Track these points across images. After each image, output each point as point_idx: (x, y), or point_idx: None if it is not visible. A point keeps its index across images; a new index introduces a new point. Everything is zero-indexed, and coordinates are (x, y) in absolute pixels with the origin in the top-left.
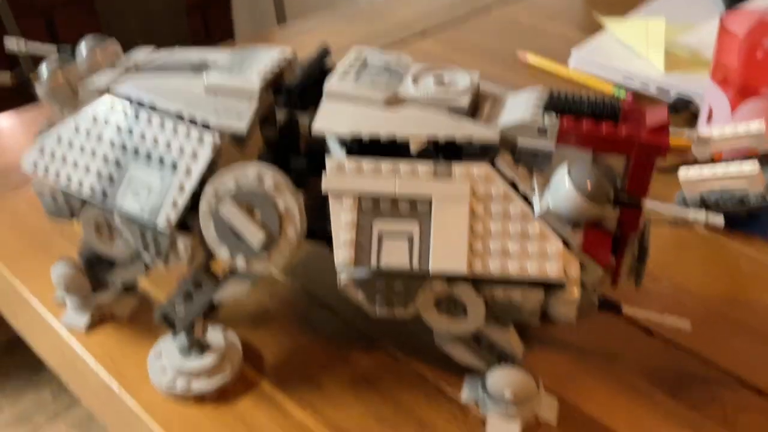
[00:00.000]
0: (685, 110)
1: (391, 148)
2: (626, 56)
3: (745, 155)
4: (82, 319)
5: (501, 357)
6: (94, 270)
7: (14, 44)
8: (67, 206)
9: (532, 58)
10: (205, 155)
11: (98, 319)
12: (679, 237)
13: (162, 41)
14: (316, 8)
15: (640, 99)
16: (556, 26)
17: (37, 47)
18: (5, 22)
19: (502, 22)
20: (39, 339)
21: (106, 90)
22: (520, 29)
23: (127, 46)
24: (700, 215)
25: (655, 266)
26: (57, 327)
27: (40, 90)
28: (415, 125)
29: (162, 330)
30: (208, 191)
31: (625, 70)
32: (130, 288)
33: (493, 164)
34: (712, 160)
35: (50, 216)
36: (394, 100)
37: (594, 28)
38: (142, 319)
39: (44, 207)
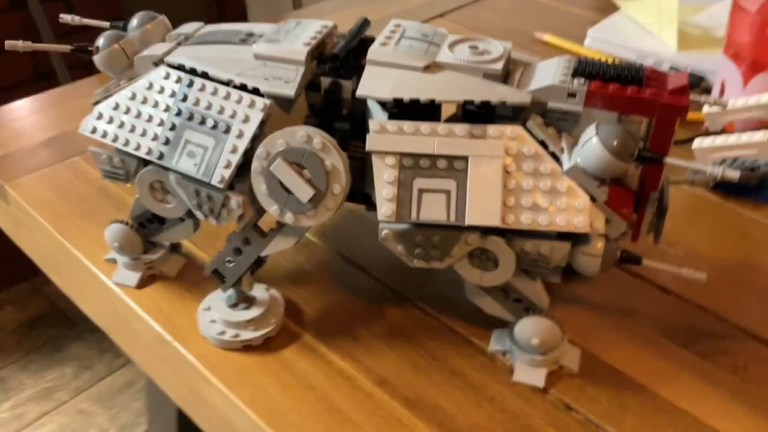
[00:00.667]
0: (697, 87)
1: (429, 110)
2: (640, 35)
3: (757, 127)
4: (133, 277)
5: (528, 309)
6: (145, 230)
7: (69, 19)
8: (123, 169)
9: (549, 38)
10: (256, 118)
11: (147, 277)
12: (692, 204)
13: (180, 23)
14: None
15: None
16: (572, 6)
17: (89, 21)
18: (30, 5)
19: (519, 3)
20: (89, 298)
21: (161, 60)
22: (536, 9)
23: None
24: (716, 170)
25: (669, 232)
26: (109, 285)
27: (98, 60)
28: (452, 89)
29: (208, 286)
30: (260, 151)
31: (639, 49)
32: (176, 248)
33: (524, 125)
34: (724, 131)
35: (106, 178)
36: (433, 66)
37: (609, 7)
38: (188, 277)
39: (101, 169)
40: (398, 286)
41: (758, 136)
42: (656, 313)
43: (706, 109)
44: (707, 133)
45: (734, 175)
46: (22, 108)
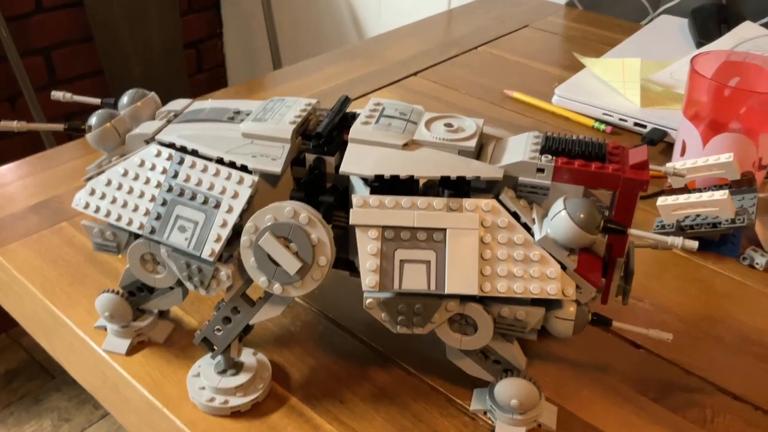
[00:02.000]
0: (660, 142)
1: (408, 185)
2: (605, 93)
3: (717, 184)
4: (123, 344)
5: (506, 369)
6: (134, 299)
7: (60, 96)
8: (115, 242)
9: (519, 95)
10: (245, 194)
11: (137, 344)
12: (659, 260)
13: (159, 76)
14: (307, 47)
15: (618, 132)
16: (540, 64)
17: (81, 98)
18: (11, 60)
19: (490, 61)
20: (78, 364)
21: (152, 138)
22: (506, 67)
23: (125, 81)
24: (677, 241)
25: (637, 286)
26: (99, 352)
27: (91, 138)
28: (430, 166)
29: (196, 352)
30: (249, 226)
31: (605, 107)
32: (164, 314)
33: (497, 198)
34: (687, 188)
35: (98, 250)
36: (411, 144)
37: (575, 65)
38: (177, 342)
39: (93, 242)
40: (382, 347)
41: (718, 195)
42: (628, 369)
43: (666, 167)
44: (671, 190)
45: (693, 245)
46: (9, 172)
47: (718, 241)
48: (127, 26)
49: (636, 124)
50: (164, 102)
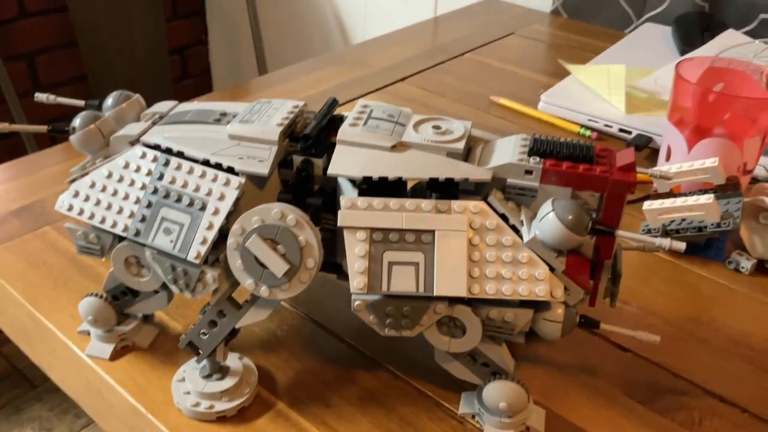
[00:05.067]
0: (645, 147)
1: (396, 186)
2: (590, 99)
3: (702, 188)
4: (106, 349)
5: (495, 372)
6: (118, 303)
7: (44, 98)
8: (99, 244)
9: (505, 101)
10: (231, 196)
11: (121, 349)
12: (645, 264)
13: (143, 82)
14: (293, 53)
15: (603, 138)
16: (526, 71)
17: (65, 100)
18: None
19: (476, 67)
20: (62, 369)
21: (137, 140)
22: (492, 73)
23: (109, 87)
24: (664, 242)
25: (625, 289)
26: (82, 357)
27: (74, 140)
28: (418, 168)
29: (181, 356)
30: (236, 228)
31: (590, 113)
32: (148, 318)
33: (486, 200)
34: (672, 192)
35: (81, 253)
36: (399, 146)
37: (561, 72)
38: (161, 347)
39: (76, 245)
40: (369, 350)
41: (703, 199)
42: (616, 371)
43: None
44: (656, 195)
45: (681, 246)
46: None
47: (703, 245)
48: (111, 32)
49: (621, 130)
50: (149, 106)
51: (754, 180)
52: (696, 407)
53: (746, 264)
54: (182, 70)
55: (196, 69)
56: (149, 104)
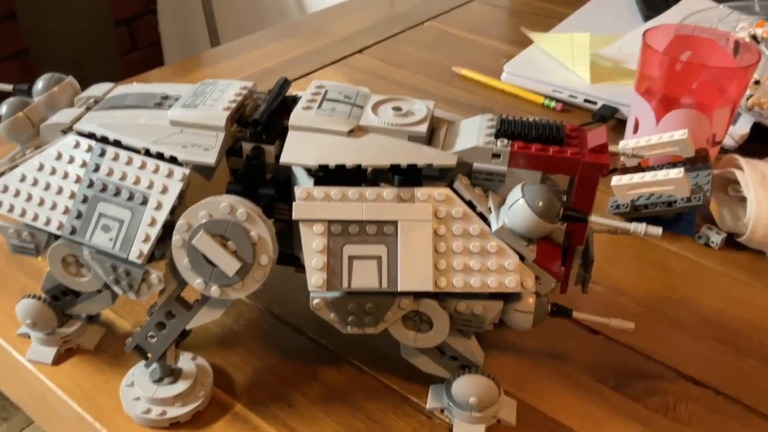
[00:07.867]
0: (611, 118)
1: (355, 174)
2: (554, 69)
3: (671, 161)
4: (49, 353)
5: (464, 365)
6: (59, 303)
7: None
8: (33, 243)
9: (467, 72)
10: (175, 189)
11: (64, 352)
12: (614, 241)
13: (88, 56)
14: (246, 23)
15: (568, 110)
16: (487, 39)
17: None
18: None
19: (436, 37)
20: (2, 374)
21: (69, 128)
22: (453, 43)
23: (52, 62)
24: (640, 228)
25: (594, 270)
26: (23, 362)
27: (1, 129)
28: (378, 153)
29: (130, 359)
30: (181, 224)
31: (554, 83)
32: (93, 318)
33: (451, 187)
34: (641, 166)
35: (15, 253)
36: (357, 130)
37: (524, 40)
38: (108, 349)
39: (9, 245)
40: (332, 344)
41: (673, 173)
42: (587, 356)
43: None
44: (624, 169)
45: (657, 231)
46: None
47: (673, 220)
48: (52, 3)
49: (586, 101)
50: (88, 86)
51: (723, 150)
52: (670, 391)
53: (716, 238)
54: (131, 42)
55: (145, 41)
56: (95, 79)
